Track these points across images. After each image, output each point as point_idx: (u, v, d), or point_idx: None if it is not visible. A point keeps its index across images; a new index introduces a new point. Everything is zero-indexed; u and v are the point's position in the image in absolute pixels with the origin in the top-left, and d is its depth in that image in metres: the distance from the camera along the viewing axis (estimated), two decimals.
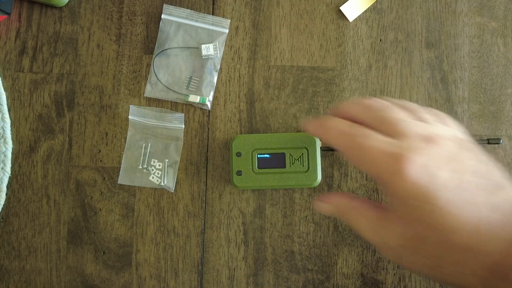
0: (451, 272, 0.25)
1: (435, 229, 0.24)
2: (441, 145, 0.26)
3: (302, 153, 0.36)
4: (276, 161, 0.36)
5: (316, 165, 0.36)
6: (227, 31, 0.39)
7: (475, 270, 0.24)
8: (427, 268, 0.26)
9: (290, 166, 0.36)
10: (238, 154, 0.36)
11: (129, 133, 0.39)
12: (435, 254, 0.25)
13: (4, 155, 0.38)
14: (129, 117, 0.39)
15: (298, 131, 0.39)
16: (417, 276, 0.38)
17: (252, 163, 0.36)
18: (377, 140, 0.26)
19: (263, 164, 0.36)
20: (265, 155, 0.36)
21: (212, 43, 0.39)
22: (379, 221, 0.27)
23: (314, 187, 0.39)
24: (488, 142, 0.37)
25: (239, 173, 0.36)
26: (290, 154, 0.36)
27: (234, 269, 0.38)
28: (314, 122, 0.30)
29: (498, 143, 0.37)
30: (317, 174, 0.36)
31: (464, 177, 0.25)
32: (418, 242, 0.25)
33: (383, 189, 0.27)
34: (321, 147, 0.37)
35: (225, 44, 0.40)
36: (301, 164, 0.36)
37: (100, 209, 0.39)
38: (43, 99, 0.39)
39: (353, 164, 0.28)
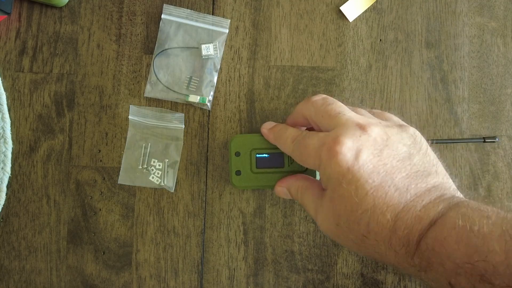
0: (375, 248, 0.27)
1: (358, 208, 0.27)
2: (373, 133, 0.28)
3: None
4: (275, 160, 0.36)
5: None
6: (227, 31, 0.39)
7: (395, 248, 0.26)
8: (356, 245, 0.28)
9: (289, 166, 0.36)
10: (237, 154, 0.36)
11: (129, 133, 0.39)
12: (361, 231, 0.27)
13: (4, 155, 0.38)
14: (129, 117, 0.39)
15: None
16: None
17: (250, 163, 0.36)
18: (317, 136, 0.30)
19: (261, 163, 0.36)
20: (264, 155, 0.36)
21: (212, 43, 0.39)
22: (319, 200, 0.30)
23: None
24: (484, 140, 0.37)
25: (238, 173, 0.36)
26: None
27: (234, 269, 0.38)
28: (272, 133, 0.35)
29: (494, 141, 0.38)
30: (315, 174, 0.36)
31: (393, 162, 0.27)
32: (346, 220, 0.28)
33: (321, 177, 0.30)
34: None
35: (225, 44, 0.40)
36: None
37: (100, 209, 0.39)
38: (43, 99, 0.39)
39: (301, 164, 0.32)
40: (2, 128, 0.38)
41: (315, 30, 0.40)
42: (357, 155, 0.27)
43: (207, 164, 0.39)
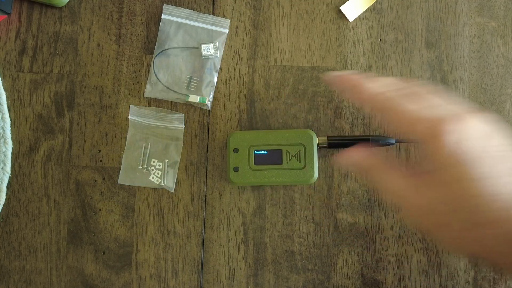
0: (483, 241, 0.25)
1: (468, 193, 0.25)
2: (477, 121, 0.27)
3: (299, 150, 0.36)
4: (273, 157, 0.36)
5: (313, 162, 0.36)
6: (227, 31, 0.39)
7: (501, 240, 0.24)
8: (458, 237, 0.26)
9: (287, 163, 0.36)
10: (235, 151, 0.36)
11: (129, 133, 0.39)
12: (470, 220, 0.25)
13: (4, 155, 0.38)
14: (129, 117, 0.39)
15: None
16: (417, 276, 0.38)
17: (249, 159, 0.36)
18: (415, 105, 0.27)
19: (260, 160, 0.36)
20: (262, 152, 0.36)
21: (212, 43, 0.39)
22: (411, 182, 0.28)
23: (314, 187, 0.39)
24: (396, 141, 0.37)
25: (236, 169, 0.36)
26: (287, 150, 0.36)
27: (234, 269, 0.38)
28: (346, 79, 0.30)
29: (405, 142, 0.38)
30: (313, 171, 0.36)
31: (500, 149, 0.26)
32: (451, 207, 0.26)
33: (424, 149, 0.27)
34: (318, 144, 0.37)
35: (225, 44, 0.40)
36: (297, 160, 0.36)
37: (100, 209, 0.39)
38: (43, 99, 0.39)
39: (388, 120, 0.28)
40: (2, 128, 0.38)
41: (315, 30, 0.40)
42: (465, 138, 0.26)
43: (207, 164, 0.39)
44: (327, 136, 0.37)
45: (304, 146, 0.36)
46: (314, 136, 0.37)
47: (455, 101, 0.29)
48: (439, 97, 0.29)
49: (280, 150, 0.36)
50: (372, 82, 0.30)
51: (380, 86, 0.30)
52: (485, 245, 0.26)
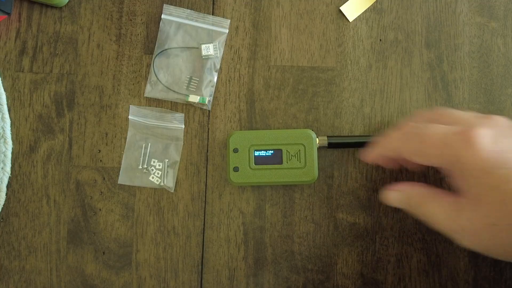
0: None
1: None
2: (499, 119, 0.26)
3: (299, 150, 0.36)
4: (273, 157, 0.36)
5: (313, 162, 0.36)
6: (227, 31, 0.39)
7: None
8: (508, 246, 0.24)
9: (287, 163, 0.36)
10: (235, 150, 0.36)
11: (129, 133, 0.39)
12: None
13: (4, 155, 0.38)
14: (129, 117, 0.39)
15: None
16: (417, 276, 0.38)
17: (249, 159, 0.36)
18: (439, 127, 0.26)
19: (260, 160, 0.36)
20: (262, 152, 0.36)
21: (212, 43, 0.39)
22: (455, 206, 0.26)
23: (314, 187, 0.39)
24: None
25: (236, 169, 0.36)
26: (287, 150, 0.36)
27: (234, 269, 0.38)
28: (371, 148, 0.31)
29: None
30: (314, 171, 0.36)
31: None
32: (497, 217, 0.24)
33: (452, 172, 0.26)
34: (317, 144, 0.37)
35: (225, 44, 0.40)
36: (298, 160, 0.36)
37: (100, 209, 0.39)
38: (43, 99, 0.39)
39: (415, 158, 0.28)
40: (2, 128, 0.38)
41: (315, 30, 0.40)
42: (498, 138, 0.24)
43: (207, 164, 0.39)
44: (327, 136, 0.37)
45: (304, 146, 0.36)
46: (314, 136, 0.37)
47: (464, 111, 0.28)
48: (456, 113, 0.28)
49: (280, 150, 0.36)
50: (390, 134, 0.30)
51: (396, 130, 0.29)
52: None
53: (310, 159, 0.36)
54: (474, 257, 0.38)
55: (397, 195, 0.30)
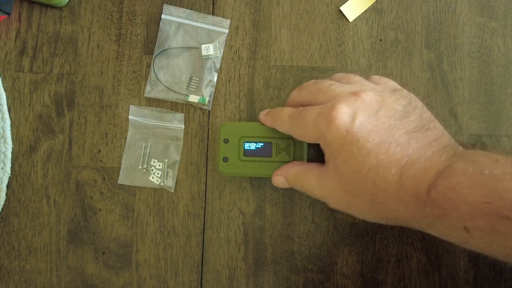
0: (385, 206, 0.28)
1: (363, 167, 0.27)
2: (368, 97, 0.29)
3: (289, 144, 0.36)
4: (263, 150, 0.36)
5: (302, 157, 0.36)
6: (227, 31, 0.39)
7: (405, 200, 0.27)
8: (367, 208, 0.29)
9: (276, 156, 0.36)
10: (226, 141, 0.36)
11: (129, 133, 0.39)
12: (369, 191, 0.28)
13: (4, 155, 0.38)
14: (129, 117, 0.39)
15: None
16: (417, 276, 0.38)
17: (238, 150, 0.36)
18: (313, 108, 0.30)
19: (249, 152, 0.36)
20: (252, 143, 0.36)
21: (212, 43, 0.39)
22: (322, 175, 0.31)
23: None
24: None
25: (225, 159, 0.36)
26: (277, 143, 0.36)
27: (234, 269, 0.38)
28: (268, 116, 0.35)
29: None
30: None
31: (390, 121, 0.28)
32: (354, 183, 0.28)
33: (322, 145, 0.31)
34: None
35: (225, 44, 0.40)
36: (287, 154, 0.36)
37: (100, 209, 0.39)
38: (43, 99, 0.39)
39: (300, 139, 0.33)
40: (2, 128, 0.38)
41: (315, 30, 0.40)
42: (354, 118, 0.28)
43: (207, 164, 0.39)
44: None
45: (293, 141, 0.36)
46: None
47: (348, 84, 0.31)
48: (334, 85, 0.31)
49: (270, 143, 0.36)
50: (282, 110, 0.34)
51: (288, 111, 0.33)
52: (385, 210, 0.28)
53: (299, 154, 0.36)
54: (474, 257, 0.38)
55: (280, 178, 0.34)
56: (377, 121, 0.28)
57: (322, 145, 0.30)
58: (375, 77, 0.34)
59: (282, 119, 0.33)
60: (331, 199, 0.31)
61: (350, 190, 0.29)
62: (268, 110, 0.36)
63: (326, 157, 0.31)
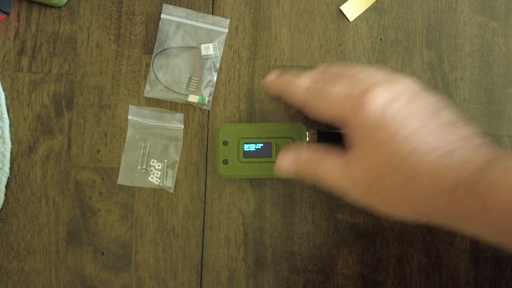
0: (420, 194, 0.26)
1: (399, 152, 0.25)
2: (403, 84, 0.28)
3: (289, 143, 0.36)
4: (263, 150, 0.36)
5: None
6: (226, 31, 0.39)
7: (444, 188, 0.25)
8: (394, 202, 0.27)
9: (276, 156, 0.36)
10: (225, 143, 0.36)
11: (128, 133, 0.39)
12: (404, 177, 0.26)
13: (3, 156, 0.38)
14: (129, 117, 0.39)
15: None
16: (418, 277, 0.38)
17: (238, 152, 0.36)
18: (341, 88, 0.28)
19: (249, 153, 0.36)
20: (252, 144, 0.36)
21: (212, 43, 0.39)
22: (345, 163, 0.28)
23: (314, 187, 0.38)
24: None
25: (225, 162, 0.36)
26: (276, 144, 0.36)
27: (234, 270, 0.38)
28: (279, 81, 0.32)
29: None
30: None
31: (426, 110, 0.27)
32: (382, 173, 0.26)
33: (347, 130, 0.28)
34: (307, 138, 0.37)
35: (225, 44, 0.40)
36: None
37: (99, 210, 0.38)
38: (42, 99, 0.39)
39: (314, 116, 0.30)
40: (1, 128, 0.38)
41: (315, 30, 0.40)
42: (391, 101, 0.26)
43: (206, 165, 0.39)
44: (317, 130, 0.37)
45: (293, 140, 0.36)
46: (304, 129, 0.37)
47: (379, 72, 0.30)
48: (364, 72, 0.29)
49: (270, 143, 0.36)
50: (297, 79, 0.31)
51: (304, 80, 0.31)
52: (420, 201, 0.26)
53: None
54: (475, 257, 0.38)
55: (287, 164, 0.31)
56: (415, 108, 0.27)
57: (346, 128, 0.28)
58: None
59: (296, 89, 0.31)
60: (353, 191, 0.28)
61: (376, 181, 0.27)
62: (276, 73, 0.33)
63: (349, 143, 0.28)
